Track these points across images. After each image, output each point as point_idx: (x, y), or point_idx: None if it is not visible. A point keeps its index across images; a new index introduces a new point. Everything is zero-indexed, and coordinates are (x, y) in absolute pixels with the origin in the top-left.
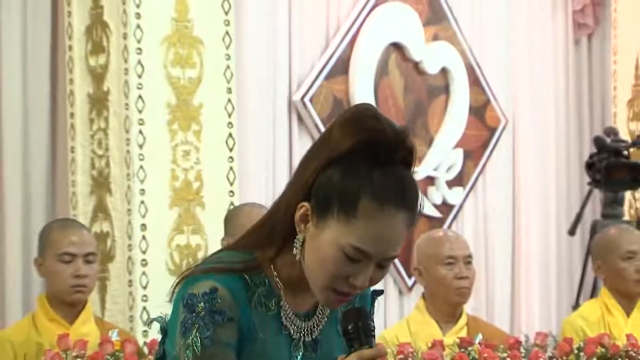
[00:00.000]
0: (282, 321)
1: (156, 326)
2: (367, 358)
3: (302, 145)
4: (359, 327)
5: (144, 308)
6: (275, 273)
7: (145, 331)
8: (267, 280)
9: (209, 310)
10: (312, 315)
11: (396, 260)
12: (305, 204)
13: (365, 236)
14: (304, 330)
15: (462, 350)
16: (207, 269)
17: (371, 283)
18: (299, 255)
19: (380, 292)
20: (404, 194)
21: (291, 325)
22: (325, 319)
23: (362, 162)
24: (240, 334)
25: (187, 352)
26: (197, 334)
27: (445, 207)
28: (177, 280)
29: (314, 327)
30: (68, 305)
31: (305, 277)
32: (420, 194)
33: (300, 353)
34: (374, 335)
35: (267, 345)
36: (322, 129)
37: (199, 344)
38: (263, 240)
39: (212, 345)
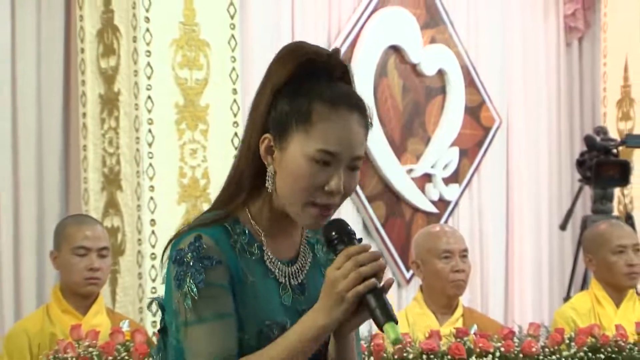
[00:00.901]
0: (267, 265)
1: (155, 309)
2: (353, 253)
3: None
4: (341, 232)
5: None
6: (252, 221)
7: (154, 322)
8: (246, 230)
9: (197, 258)
10: (295, 261)
11: (395, 254)
12: (267, 135)
13: (326, 137)
14: (288, 274)
15: (458, 340)
16: (189, 227)
17: (346, 189)
18: (270, 187)
19: (360, 239)
20: (350, 97)
21: (276, 269)
22: (309, 264)
23: (306, 81)
24: (230, 277)
25: (186, 300)
26: (190, 281)
27: (441, 203)
28: (165, 246)
29: (298, 271)
30: (81, 297)
31: (283, 218)
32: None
33: (289, 295)
34: (358, 239)
35: (257, 287)
36: None
37: (194, 289)
38: (234, 191)
39: (206, 288)
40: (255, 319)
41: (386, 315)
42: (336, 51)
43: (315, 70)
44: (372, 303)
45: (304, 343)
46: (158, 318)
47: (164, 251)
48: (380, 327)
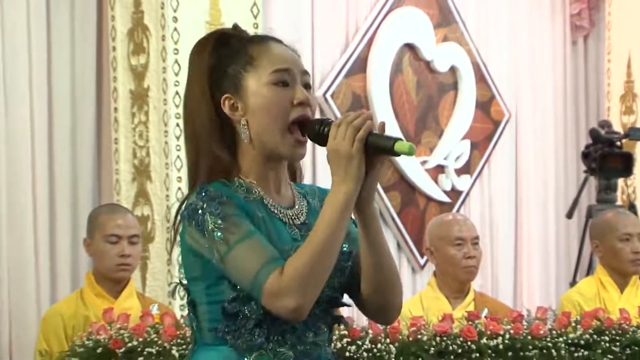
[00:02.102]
0: (269, 208)
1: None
2: (340, 120)
3: None
4: (322, 122)
5: None
6: (244, 177)
7: (182, 305)
8: (242, 183)
9: (208, 200)
10: (293, 206)
11: (410, 241)
12: (225, 95)
13: (272, 61)
14: (290, 216)
15: (470, 323)
16: (188, 195)
17: (310, 102)
18: (246, 137)
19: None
20: (266, 35)
21: (278, 212)
22: (305, 209)
23: (226, 45)
24: (242, 210)
25: (215, 234)
26: (211, 218)
27: (454, 193)
28: (175, 219)
29: (298, 213)
30: (113, 281)
31: (269, 166)
32: None
33: (297, 232)
34: None
35: (268, 223)
36: None
37: (218, 221)
38: (214, 164)
39: (227, 217)
40: (278, 245)
41: (392, 139)
42: (235, 24)
43: (229, 40)
44: (374, 140)
45: (335, 220)
46: (174, 300)
47: (175, 224)
48: (392, 151)
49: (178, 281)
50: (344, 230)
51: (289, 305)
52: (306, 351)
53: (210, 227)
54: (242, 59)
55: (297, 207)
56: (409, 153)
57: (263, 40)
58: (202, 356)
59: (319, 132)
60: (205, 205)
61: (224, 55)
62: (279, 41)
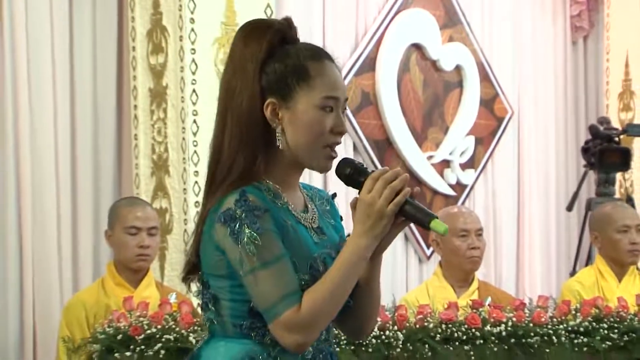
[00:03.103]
0: (293, 214)
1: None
2: (379, 175)
3: None
4: (354, 166)
5: None
6: (268, 180)
7: (191, 292)
8: (269, 187)
9: (246, 210)
10: (307, 210)
11: (416, 232)
12: (270, 100)
13: (326, 85)
14: (308, 220)
15: (474, 311)
16: (223, 194)
17: (345, 131)
18: (281, 144)
19: (335, 194)
20: (325, 51)
21: (300, 217)
22: (316, 213)
23: (283, 47)
24: (275, 223)
25: (249, 247)
26: (248, 231)
27: (459, 186)
28: (201, 219)
29: (312, 218)
30: (133, 271)
31: (292, 173)
32: None
33: (317, 236)
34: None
35: (297, 230)
36: (352, 119)
37: (254, 235)
38: (246, 163)
39: (263, 233)
40: (303, 255)
41: (428, 215)
42: (289, 19)
43: (285, 37)
44: (411, 210)
45: (353, 266)
46: (194, 295)
47: (200, 222)
48: (426, 226)
49: (189, 277)
50: (356, 278)
51: (298, 341)
52: (320, 347)
53: (245, 240)
54: (299, 72)
55: (310, 211)
56: (443, 234)
57: (321, 58)
58: (222, 348)
59: (349, 175)
60: (243, 216)
61: (280, 58)
62: (332, 60)
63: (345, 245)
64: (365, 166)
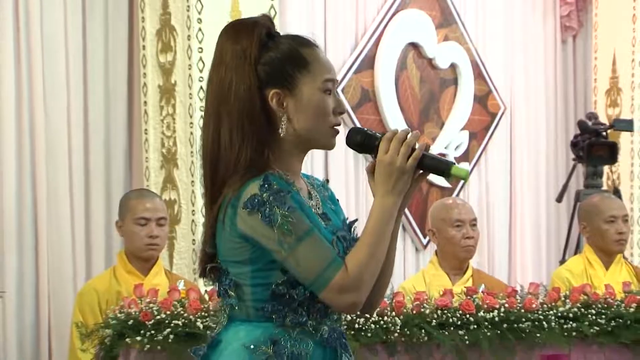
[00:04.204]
0: (303, 198)
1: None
2: (392, 135)
3: None
4: (364, 133)
5: None
6: (276, 168)
7: (206, 281)
8: (280, 174)
9: (273, 193)
10: (312, 197)
11: (413, 222)
12: (274, 90)
13: (324, 68)
14: (313, 207)
15: (468, 297)
16: (242, 182)
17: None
18: (285, 132)
19: (328, 180)
20: (308, 38)
21: (307, 202)
22: (319, 200)
23: (271, 40)
24: (297, 202)
25: (285, 227)
26: (280, 212)
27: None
28: (212, 212)
29: (317, 204)
30: (143, 260)
31: (294, 160)
32: None
33: (323, 222)
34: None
35: (312, 212)
36: (352, 115)
37: (287, 214)
38: (254, 153)
39: (293, 211)
40: (323, 235)
41: (447, 163)
42: (267, 15)
43: (269, 31)
44: (430, 161)
45: (384, 225)
46: (206, 285)
47: (220, 212)
48: (447, 174)
49: (206, 266)
50: (389, 237)
51: (353, 299)
52: (333, 327)
53: (279, 220)
54: (296, 60)
55: (314, 197)
56: (465, 178)
57: (310, 44)
58: (243, 332)
59: (359, 142)
60: (271, 198)
61: (274, 50)
62: (318, 46)
63: (372, 207)
64: (373, 131)
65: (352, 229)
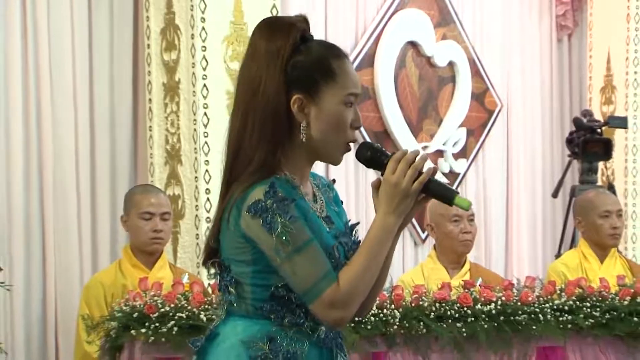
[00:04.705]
0: (309, 203)
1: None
2: (400, 157)
3: None
4: (373, 149)
5: None
6: (287, 172)
7: (210, 274)
8: (288, 179)
9: (277, 201)
10: (317, 200)
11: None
12: (297, 96)
13: (350, 82)
14: (318, 210)
15: (466, 290)
16: (250, 184)
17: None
18: (304, 137)
19: (334, 180)
20: (341, 48)
21: (313, 207)
22: (323, 202)
23: (304, 44)
24: (301, 211)
25: (283, 237)
26: (281, 220)
27: (451, 175)
28: (221, 208)
29: (321, 207)
30: (147, 254)
31: (307, 165)
32: None
33: (327, 225)
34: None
35: (316, 218)
36: None
37: (287, 224)
38: (267, 155)
39: (294, 222)
40: (323, 245)
41: (451, 192)
42: (305, 16)
43: (304, 34)
44: (435, 187)
45: (382, 243)
46: (209, 279)
47: (226, 210)
48: (450, 202)
49: (208, 262)
50: (384, 255)
51: (341, 315)
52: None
53: (279, 230)
54: (324, 69)
55: (319, 200)
56: (466, 208)
57: (341, 55)
58: (240, 327)
59: (367, 158)
60: (274, 206)
61: (305, 55)
62: (348, 57)
63: (373, 224)
64: (382, 148)
65: (354, 232)
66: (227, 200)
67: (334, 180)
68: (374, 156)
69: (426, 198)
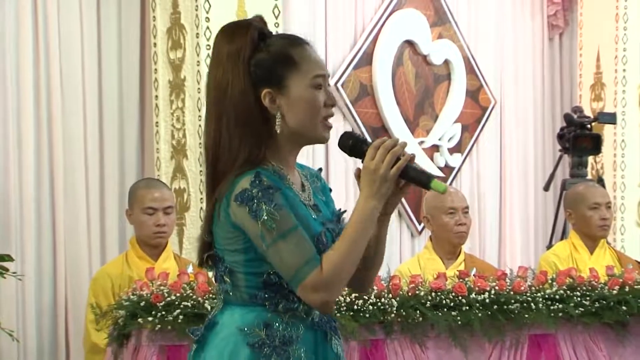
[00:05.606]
0: (295, 192)
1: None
2: (379, 144)
3: (335, 120)
4: (355, 138)
5: None
6: (272, 163)
7: (210, 266)
8: (274, 169)
9: (262, 189)
10: (304, 188)
11: (409, 209)
12: (266, 90)
13: (313, 65)
14: (305, 198)
15: (461, 280)
16: (236, 176)
17: (336, 102)
18: (280, 128)
19: (321, 169)
20: (298, 36)
21: (300, 195)
22: (310, 191)
23: (264, 42)
24: (287, 200)
25: (269, 224)
26: (266, 208)
27: (447, 169)
28: (217, 197)
29: (309, 196)
30: (152, 246)
31: (289, 154)
32: None
33: (314, 213)
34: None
35: (303, 207)
36: (351, 108)
37: (272, 211)
38: (251, 150)
39: (279, 209)
40: (309, 232)
41: (428, 176)
42: (261, 16)
43: (262, 32)
44: (412, 172)
45: (365, 225)
46: (207, 269)
47: (217, 202)
48: (427, 186)
49: (205, 255)
50: (367, 238)
51: (325, 298)
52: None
53: (264, 217)
54: (285, 61)
55: (306, 189)
56: (443, 192)
57: (300, 43)
58: (238, 315)
59: (352, 146)
60: (260, 194)
61: (266, 51)
62: (308, 43)
63: (354, 208)
64: (364, 137)
65: (341, 220)
66: (216, 195)
67: (320, 169)
68: (356, 144)
69: (407, 184)
